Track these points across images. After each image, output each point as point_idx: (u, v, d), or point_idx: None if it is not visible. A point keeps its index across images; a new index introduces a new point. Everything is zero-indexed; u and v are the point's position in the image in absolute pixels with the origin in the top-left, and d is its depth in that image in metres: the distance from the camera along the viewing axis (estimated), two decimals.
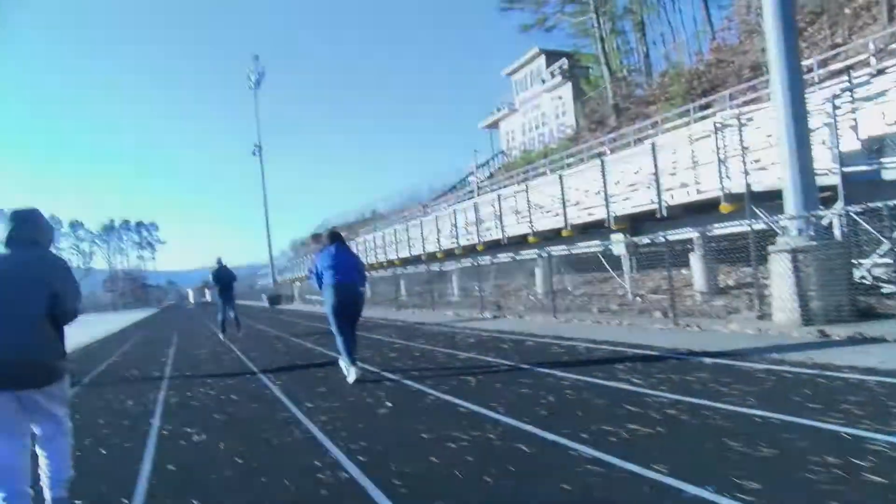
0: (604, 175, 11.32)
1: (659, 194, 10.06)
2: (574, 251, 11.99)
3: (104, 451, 3.77)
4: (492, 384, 4.95)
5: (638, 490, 2.43)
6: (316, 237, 54.04)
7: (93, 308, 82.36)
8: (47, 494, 2.61)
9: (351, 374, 5.79)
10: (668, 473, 2.54)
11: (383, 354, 7.40)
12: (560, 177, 12.95)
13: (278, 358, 8.13)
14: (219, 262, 12.35)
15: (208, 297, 79.06)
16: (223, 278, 11.95)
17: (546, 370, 5.28)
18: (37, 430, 2.63)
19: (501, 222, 15.22)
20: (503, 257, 15.53)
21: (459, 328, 9.99)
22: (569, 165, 20.76)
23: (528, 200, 13.97)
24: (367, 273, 6.48)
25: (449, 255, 18.75)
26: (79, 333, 16.71)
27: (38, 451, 2.63)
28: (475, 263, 16.20)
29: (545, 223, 13.67)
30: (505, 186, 24.27)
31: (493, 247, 16.45)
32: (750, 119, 8.67)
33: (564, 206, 12.57)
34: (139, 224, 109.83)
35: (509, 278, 16.70)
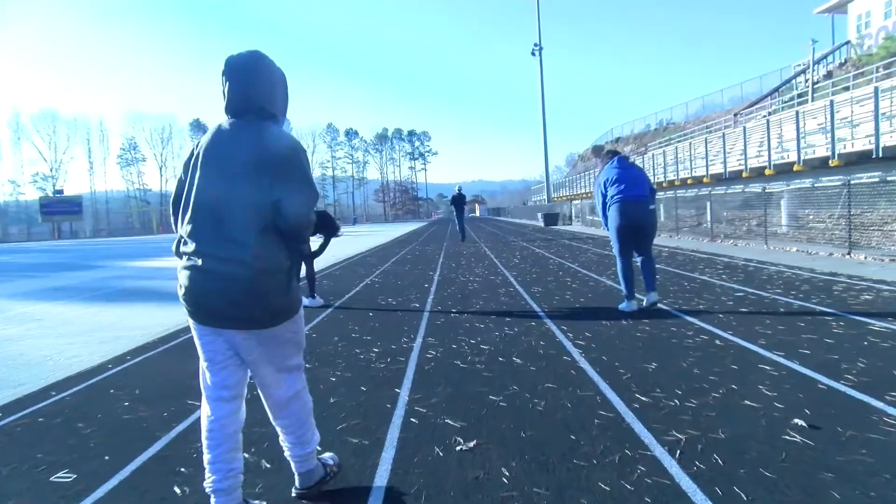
0: None
1: None
2: None
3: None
4: None
5: None
6: (597, 150, 51.70)
7: (364, 218, 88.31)
8: (293, 467, 2.03)
9: (627, 305, 5.32)
10: None
11: (732, 311, 5.05)
12: None
13: (571, 299, 6.17)
14: (458, 188, 17.98)
15: (477, 213, 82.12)
16: (458, 202, 17.75)
17: None
18: (259, 386, 1.92)
19: (877, 128, 11.33)
20: (864, 177, 11.74)
21: (825, 274, 6.91)
22: None
23: None
24: (656, 189, 5.56)
25: (781, 171, 15.14)
26: (345, 246, 17.39)
27: (271, 416, 1.98)
28: (814, 185, 12.70)
29: None
30: (846, 88, 18.57)
31: (853, 162, 12.55)
32: None
33: None
34: (411, 133, 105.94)
35: (866, 206, 12.63)
